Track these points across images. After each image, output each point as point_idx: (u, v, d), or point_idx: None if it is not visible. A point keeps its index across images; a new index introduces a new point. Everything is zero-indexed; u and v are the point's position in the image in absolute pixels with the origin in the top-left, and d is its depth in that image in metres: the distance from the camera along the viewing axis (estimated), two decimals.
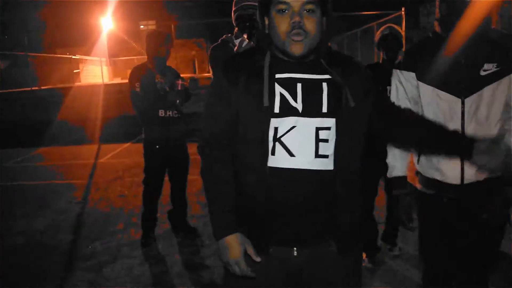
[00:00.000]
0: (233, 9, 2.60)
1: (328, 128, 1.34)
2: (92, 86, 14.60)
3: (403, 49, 3.04)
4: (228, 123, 1.39)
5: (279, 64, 1.38)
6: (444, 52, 1.77)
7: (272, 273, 1.43)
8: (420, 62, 1.84)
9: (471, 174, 1.76)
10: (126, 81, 3.64)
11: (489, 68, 1.75)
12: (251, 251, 1.38)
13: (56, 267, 3.27)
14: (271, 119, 1.33)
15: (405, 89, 1.90)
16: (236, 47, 2.52)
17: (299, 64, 1.38)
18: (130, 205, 4.68)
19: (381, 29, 3.09)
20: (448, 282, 2.00)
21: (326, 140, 1.35)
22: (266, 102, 1.32)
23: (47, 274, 3.16)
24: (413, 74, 1.85)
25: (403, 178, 1.93)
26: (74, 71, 21.79)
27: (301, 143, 1.34)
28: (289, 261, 1.41)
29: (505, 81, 1.74)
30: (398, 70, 1.92)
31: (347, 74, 1.38)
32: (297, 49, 1.33)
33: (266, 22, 1.40)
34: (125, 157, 7.40)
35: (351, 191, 1.40)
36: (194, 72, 24.20)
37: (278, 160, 1.34)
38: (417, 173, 1.94)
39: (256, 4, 2.47)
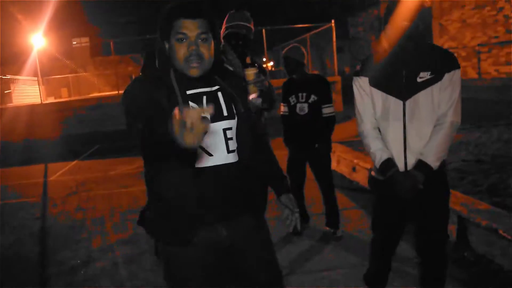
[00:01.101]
0: (224, 25, 2.85)
1: (231, 128, 1.65)
2: (27, 106, 14.20)
3: (306, 63, 3.69)
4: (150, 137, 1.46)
5: (185, 81, 1.61)
6: (381, 57, 2.15)
7: (208, 253, 1.66)
8: (371, 70, 2.18)
9: (411, 163, 2.11)
10: (60, 99, 3.78)
11: (424, 76, 2.06)
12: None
13: (31, 276, 3.44)
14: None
15: (364, 91, 2.19)
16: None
17: (199, 80, 1.62)
18: (91, 216, 4.86)
19: (285, 50, 3.71)
20: (393, 251, 2.40)
21: (231, 138, 1.65)
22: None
23: (24, 283, 3.32)
24: (365, 79, 2.18)
25: (391, 159, 2.14)
26: (5, 91, 20.92)
27: (215, 144, 1.60)
28: (218, 240, 1.66)
29: (436, 86, 2.05)
30: (357, 77, 2.23)
31: (233, 85, 1.72)
32: (194, 72, 1.57)
33: (167, 46, 1.61)
34: (75, 174, 7.44)
35: (251, 175, 1.71)
36: None
37: (202, 161, 1.60)
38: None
39: (245, 24, 2.82)
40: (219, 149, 1.61)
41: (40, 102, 14.73)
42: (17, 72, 21.63)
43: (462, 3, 15.88)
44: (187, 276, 1.67)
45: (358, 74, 2.22)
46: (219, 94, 1.66)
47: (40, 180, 7.20)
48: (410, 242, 3.09)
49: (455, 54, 2.16)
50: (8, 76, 20.44)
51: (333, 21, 12.74)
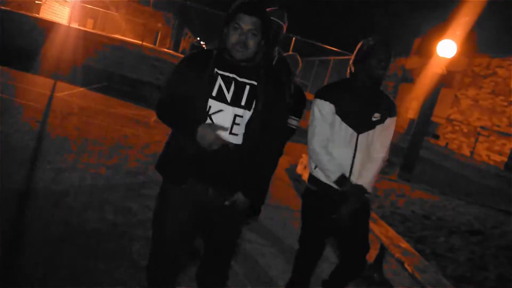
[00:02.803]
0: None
1: (241, 116, 1.91)
2: (53, 23, 14.57)
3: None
4: (178, 94, 1.93)
5: (223, 63, 1.93)
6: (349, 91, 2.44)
7: (187, 202, 1.96)
8: (338, 99, 2.39)
9: (353, 182, 2.39)
10: (85, 28, 4.18)
11: (377, 116, 2.42)
12: (221, 133, 1.86)
13: (20, 167, 3.98)
14: (209, 99, 1.89)
15: (327, 114, 2.39)
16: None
17: (237, 68, 1.93)
18: (84, 136, 5.40)
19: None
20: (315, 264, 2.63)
21: (238, 124, 1.91)
22: (203, 87, 1.88)
23: (12, 169, 3.87)
24: (332, 106, 2.39)
25: (345, 175, 2.38)
26: (36, 1, 21.24)
27: (223, 122, 1.88)
28: (203, 197, 1.94)
29: (380, 126, 2.42)
30: (321, 100, 2.41)
31: (269, 84, 1.97)
32: (237, 55, 1.89)
33: (225, 31, 1.92)
34: (80, 99, 7.96)
35: (252, 161, 1.96)
36: (155, 44, 24.33)
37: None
38: (310, 176, 2.50)
39: (280, 22, 3.17)
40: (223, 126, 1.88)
41: (67, 24, 15.12)
42: None
43: (481, 84, 16.55)
44: (168, 210, 1.99)
45: (324, 98, 2.40)
46: (248, 86, 1.93)
47: (47, 92, 7.71)
48: None
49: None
50: None
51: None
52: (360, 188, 2.40)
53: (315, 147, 2.40)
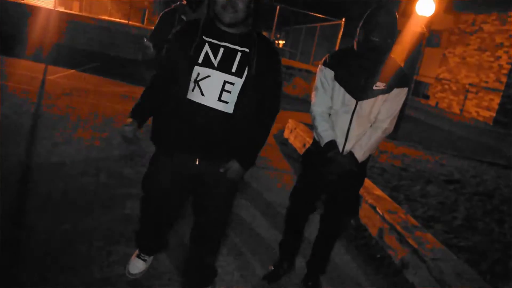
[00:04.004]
0: None
1: (232, 83, 1.87)
2: (40, 8, 14.59)
3: None
4: (168, 66, 1.99)
5: (212, 32, 1.90)
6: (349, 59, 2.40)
7: (177, 171, 2.01)
8: (338, 65, 2.39)
9: (347, 150, 2.43)
10: (71, 11, 4.34)
11: (379, 85, 2.35)
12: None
13: (18, 146, 4.29)
14: (195, 66, 1.87)
15: (327, 81, 2.41)
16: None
17: (227, 36, 1.89)
18: (78, 114, 5.69)
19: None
20: (303, 222, 2.73)
21: (228, 91, 1.88)
22: (191, 52, 1.87)
23: (13, 145, 4.17)
24: (332, 72, 2.39)
25: (335, 141, 2.41)
26: None
27: (210, 88, 1.86)
28: (192, 167, 1.98)
29: (383, 96, 2.37)
30: (324, 67, 2.43)
31: (261, 52, 1.91)
32: (226, 19, 1.83)
33: None
34: (72, 80, 8.19)
35: (245, 129, 1.97)
36: (142, 23, 24.22)
37: (194, 96, 1.89)
38: (313, 138, 2.59)
39: None
40: (211, 93, 1.87)
41: (52, 8, 15.13)
42: None
43: (468, 41, 16.71)
44: (157, 174, 2.08)
45: (326, 65, 2.42)
46: (239, 53, 1.88)
47: (39, 76, 7.93)
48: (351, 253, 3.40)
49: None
50: None
51: (343, 19, 13.41)
52: (349, 157, 2.41)
53: (313, 112, 2.46)
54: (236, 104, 1.89)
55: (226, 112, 1.89)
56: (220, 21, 1.86)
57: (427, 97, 18.30)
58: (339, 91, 2.39)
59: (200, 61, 1.86)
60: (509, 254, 3.61)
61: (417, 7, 8.67)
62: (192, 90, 1.88)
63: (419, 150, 7.84)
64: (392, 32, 2.30)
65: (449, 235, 3.71)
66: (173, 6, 3.33)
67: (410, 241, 3.22)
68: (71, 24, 13.25)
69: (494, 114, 14.75)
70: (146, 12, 26.87)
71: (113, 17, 20.36)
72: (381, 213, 3.72)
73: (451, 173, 6.34)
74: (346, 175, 2.44)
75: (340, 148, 2.43)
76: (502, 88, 14.60)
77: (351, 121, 2.40)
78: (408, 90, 2.55)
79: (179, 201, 2.18)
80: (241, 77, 1.88)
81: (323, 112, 2.43)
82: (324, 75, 2.42)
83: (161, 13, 3.38)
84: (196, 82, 1.87)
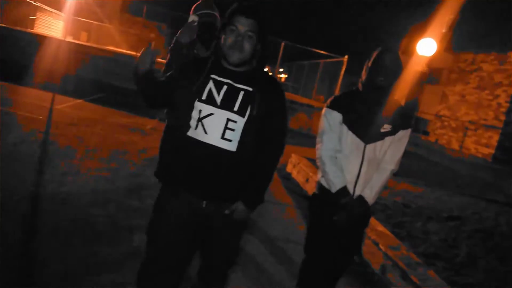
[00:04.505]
0: (191, 13, 3.00)
1: (235, 122, 1.86)
2: (49, 38, 14.96)
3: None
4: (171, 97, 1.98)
5: (218, 69, 1.92)
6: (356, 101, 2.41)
7: (184, 213, 1.94)
8: (345, 109, 2.38)
9: (357, 193, 2.39)
10: (79, 41, 4.48)
11: (387, 128, 2.37)
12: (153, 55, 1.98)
13: (26, 174, 4.37)
14: (198, 102, 1.87)
15: (335, 124, 2.39)
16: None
17: (232, 74, 1.91)
18: (85, 145, 5.80)
19: None
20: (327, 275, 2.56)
21: (232, 129, 1.86)
22: (194, 88, 1.88)
23: (23, 174, 4.25)
24: (339, 115, 2.38)
25: (346, 187, 2.38)
26: (30, 17, 21.58)
27: (213, 126, 1.85)
28: (199, 209, 1.92)
29: (389, 138, 2.38)
30: (330, 109, 2.41)
31: (265, 91, 1.92)
32: (233, 58, 1.87)
33: (221, 36, 1.91)
34: (79, 110, 8.34)
35: (249, 169, 1.94)
36: None
37: (197, 134, 1.88)
38: (318, 183, 2.51)
39: (211, 12, 3.06)
40: (214, 131, 1.86)
41: (62, 38, 15.50)
42: (47, 3, 22.09)
43: (467, 80, 17.02)
44: (163, 218, 1.98)
45: (333, 107, 2.41)
46: (241, 92, 1.89)
47: (47, 105, 8.09)
48: None
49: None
50: (38, 4, 21.07)
51: (346, 56, 13.72)
52: (360, 201, 2.38)
53: (322, 156, 2.41)
54: (239, 142, 1.88)
55: (229, 151, 1.87)
56: (227, 61, 1.91)
57: (426, 133, 18.47)
58: (347, 134, 2.37)
59: (203, 97, 1.87)
60: None
61: (418, 47, 8.89)
62: (195, 128, 1.88)
63: (420, 186, 7.90)
64: (397, 74, 2.37)
65: (451, 272, 3.74)
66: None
67: (413, 278, 3.26)
68: (80, 55, 13.55)
69: (493, 151, 14.86)
70: (153, 44, 27.35)
71: (119, 48, 20.81)
72: (383, 250, 3.76)
73: (452, 210, 6.38)
74: (359, 220, 2.44)
75: (351, 193, 2.41)
76: (501, 126, 14.77)
77: (361, 165, 2.38)
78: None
79: (185, 246, 2.00)
80: (243, 116, 1.87)
81: (332, 156, 2.39)
82: (332, 118, 2.40)
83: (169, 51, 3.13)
84: (200, 120, 1.87)
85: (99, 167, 4.91)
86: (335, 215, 2.38)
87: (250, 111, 1.87)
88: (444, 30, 9.86)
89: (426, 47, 8.87)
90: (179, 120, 1.92)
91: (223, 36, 1.91)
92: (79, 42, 16.81)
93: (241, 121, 1.87)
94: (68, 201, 3.74)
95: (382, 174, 2.41)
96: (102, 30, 27.04)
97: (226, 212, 1.95)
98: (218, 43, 1.94)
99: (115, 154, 5.67)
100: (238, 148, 1.87)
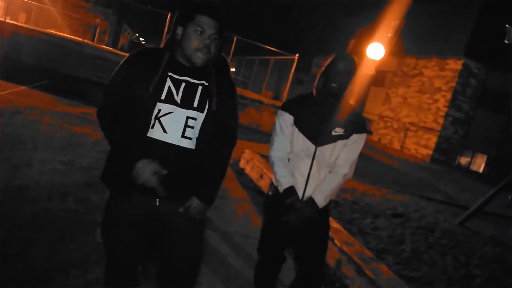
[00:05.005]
0: None
1: (195, 119, 1.81)
2: None
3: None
4: (122, 98, 1.80)
5: (175, 66, 1.82)
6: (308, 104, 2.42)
7: (137, 214, 1.85)
8: (298, 111, 2.39)
9: (307, 196, 2.37)
10: (20, 23, 4.22)
11: (338, 131, 2.37)
12: (157, 168, 1.77)
13: None
14: (157, 103, 1.77)
15: (286, 126, 2.40)
16: None
17: (189, 70, 1.83)
18: (35, 135, 5.57)
19: None
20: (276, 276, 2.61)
21: (191, 127, 1.81)
22: (151, 89, 1.76)
23: None
24: (291, 117, 2.39)
25: (293, 187, 2.35)
26: None
27: (173, 124, 1.78)
28: (153, 208, 1.85)
29: (342, 141, 2.38)
30: (283, 111, 2.42)
31: (219, 84, 1.87)
32: (199, 61, 1.79)
33: (180, 31, 1.80)
34: (24, 98, 7.96)
35: (205, 164, 1.88)
36: (93, 40, 23.85)
37: (155, 133, 1.78)
38: (271, 183, 2.51)
39: None
40: (174, 130, 1.79)
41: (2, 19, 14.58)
42: None
43: (409, 83, 17.90)
44: (116, 221, 1.88)
45: (285, 109, 2.42)
46: (200, 87, 1.83)
47: None
48: None
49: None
50: None
51: (297, 55, 13.97)
52: (308, 203, 2.35)
53: (271, 157, 2.43)
54: (197, 139, 1.84)
55: (189, 148, 1.82)
56: (189, 61, 1.82)
57: (370, 132, 19.25)
58: (298, 136, 2.38)
59: (163, 97, 1.78)
60: (454, 284, 3.95)
61: (368, 51, 9.25)
62: (152, 127, 1.78)
63: (366, 184, 8.27)
64: (350, 78, 2.35)
65: (400, 266, 4.00)
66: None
67: (367, 272, 3.45)
68: (18, 37, 12.82)
69: (431, 152, 15.78)
70: (98, 30, 26.47)
71: (63, 33, 19.93)
72: (339, 245, 3.94)
73: (396, 208, 6.76)
74: (309, 222, 2.36)
75: (300, 194, 2.39)
76: (439, 128, 15.70)
77: (311, 166, 2.39)
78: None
79: (143, 247, 1.96)
80: (202, 112, 1.83)
81: (282, 157, 2.40)
82: (283, 120, 2.41)
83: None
84: (157, 118, 1.78)
85: (52, 159, 4.75)
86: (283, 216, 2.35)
87: (209, 106, 1.84)
88: (389, 35, 10.33)
89: (375, 51, 9.26)
90: (133, 119, 1.79)
91: (183, 34, 1.80)
92: (19, 24, 15.91)
93: (200, 117, 1.83)
94: (25, 195, 3.61)
95: (334, 177, 2.40)
96: (43, 12, 25.74)
97: (181, 210, 1.88)
98: (175, 38, 1.83)
99: (67, 146, 5.49)
100: (196, 145, 1.83)
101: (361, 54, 9.96)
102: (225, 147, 1.97)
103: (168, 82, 1.79)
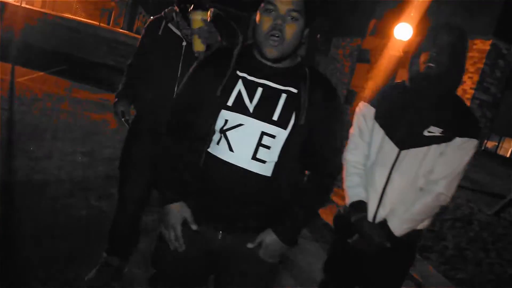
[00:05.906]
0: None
1: (273, 136, 1.35)
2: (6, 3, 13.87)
3: None
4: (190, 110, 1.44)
5: (249, 65, 1.40)
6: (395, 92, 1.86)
7: (193, 246, 1.46)
8: (382, 102, 1.84)
9: (382, 216, 1.77)
10: (36, 7, 4.04)
11: (434, 131, 1.71)
12: (190, 219, 1.43)
13: None
14: (222, 110, 1.36)
15: (365, 122, 1.87)
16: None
17: (269, 70, 1.39)
18: (53, 123, 5.36)
19: None
20: None
21: (267, 147, 1.35)
22: (218, 93, 1.36)
23: None
24: (372, 110, 1.85)
25: (363, 202, 1.81)
26: None
27: (242, 141, 1.35)
28: (213, 242, 1.44)
29: (438, 147, 1.70)
30: (362, 102, 1.91)
31: (314, 92, 1.39)
32: (270, 52, 1.34)
33: (254, 17, 1.39)
34: (41, 84, 7.76)
35: (286, 198, 1.41)
36: (108, 24, 23.69)
37: (219, 150, 1.37)
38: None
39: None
40: (244, 149, 1.36)
41: (16, 3, 14.42)
42: None
43: None
44: (171, 254, 1.49)
45: (367, 99, 1.91)
46: (283, 95, 1.38)
47: (7, 78, 7.46)
48: None
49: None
50: None
51: (318, 35, 13.56)
52: (380, 228, 1.76)
53: (344, 162, 1.89)
54: (276, 164, 1.37)
55: (262, 175, 1.37)
56: (262, 54, 1.38)
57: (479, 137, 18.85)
58: (378, 134, 1.81)
59: (229, 103, 1.36)
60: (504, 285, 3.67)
61: (395, 31, 8.87)
62: (217, 143, 1.38)
63: None
64: (457, 58, 1.72)
65: (446, 266, 3.71)
66: (164, 13, 2.44)
67: (415, 275, 3.17)
68: (34, 22, 12.63)
69: None
70: (113, 13, 26.24)
71: (78, 17, 19.75)
72: None
73: None
74: (382, 254, 1.77)
75: (371, 214, 1.80)
76: None
77: (388, 177, 1.76)
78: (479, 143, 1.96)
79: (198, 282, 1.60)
80: (285, 128, 1.36)
81: (356, 162, 1.86)
82: (362, 114, 1.88)
83: (146, 25, 2.51)
84: (223, 132, 1.37)
85: (72, 151, 4.53)
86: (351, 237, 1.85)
87: (295, 120, 1.36)
88: (412, 14, 9.89)
89: (403, 31, 8.85)
90: (194, 131, 1.42)
91: (257, 18, 1.36)
92: (35, 9, 15.75)
93: (281, 135, 1.36)
94: (44, 191, 3.38)
95: (423, 197, 1.72)
96: None
97: (249, 246, 1.43)
98: (250, 27, 1.45)
99: (88, 135, 5.27)
100: (274, 172, 1.37)
101: (387, 35, 9.57)
102: (323, 174, 1.49)
103: (239, 85, 1.38)
